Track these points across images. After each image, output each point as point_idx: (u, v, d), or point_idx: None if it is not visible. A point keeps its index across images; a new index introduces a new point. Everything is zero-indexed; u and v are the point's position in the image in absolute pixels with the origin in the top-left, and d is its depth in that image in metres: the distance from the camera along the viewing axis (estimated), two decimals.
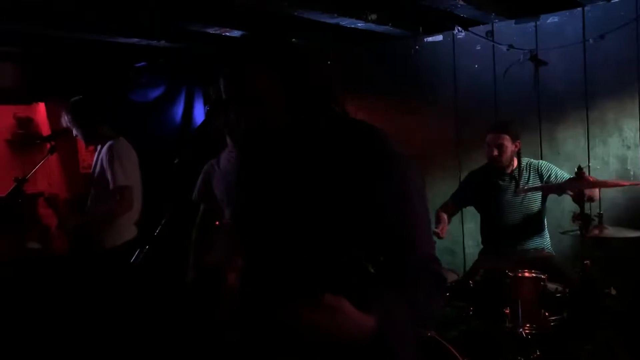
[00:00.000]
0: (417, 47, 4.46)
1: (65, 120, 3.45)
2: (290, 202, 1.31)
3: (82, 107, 3.44)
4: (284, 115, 1.28)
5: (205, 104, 5.23)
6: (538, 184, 3.51)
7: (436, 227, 3.56)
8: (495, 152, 3.46)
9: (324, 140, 1.30)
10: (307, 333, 1.12)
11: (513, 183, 3.54)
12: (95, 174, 3.47)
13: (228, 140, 2.52)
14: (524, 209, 3.53)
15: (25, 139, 5.98)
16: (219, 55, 1.33)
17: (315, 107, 1.31)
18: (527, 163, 3.58)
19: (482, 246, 3.79)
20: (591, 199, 3.34)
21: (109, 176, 3.34)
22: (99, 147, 3.53)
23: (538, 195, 3.53)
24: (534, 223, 3.54)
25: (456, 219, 3.98)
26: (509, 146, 3.46)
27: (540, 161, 3.63)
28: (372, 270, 1.15)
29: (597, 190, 3.40)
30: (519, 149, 3.54)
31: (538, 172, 3.53)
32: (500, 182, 3.57)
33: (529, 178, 3.53)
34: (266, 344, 1.32)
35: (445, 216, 3.66)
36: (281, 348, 1.27)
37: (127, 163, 3.40)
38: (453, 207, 3.81)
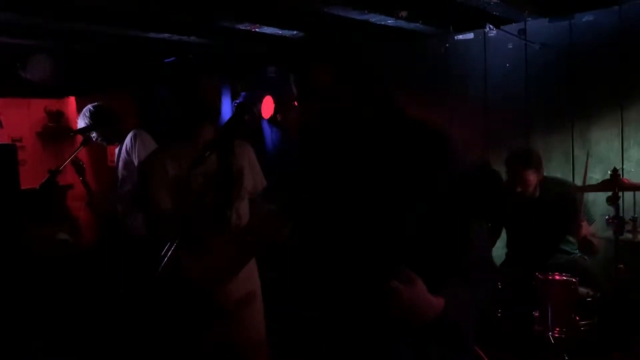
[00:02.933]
0: (447, 45, 4.41)
1: (83, 123, 3.53)
2: (354, 195, 1.37)
3: (100, 113, 3.53)
4: (349, 112, 1.36)
5: (232, 99, 5.25)
6: (564, 207, 3.33)
7: None
8: (519, 189, 3.32)
9: (389, 136, 1.37)
10: (388, 305, 1.21)
11: (539, 207, 3.38)
12: (121, 162, 3.57)
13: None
14: (552, 230, 3.38)
15: (56, 132, 6.10)
16: (284, 55, 1.42)
17: (378, 105, 1.40)
18: (554, 186, 3.40)
19: (507, 249, 3.72)
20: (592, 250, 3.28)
21: (134, 157, 3.45)
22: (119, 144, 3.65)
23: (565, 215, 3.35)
24: (561, 240, 3.43)
25: None
26: (533, 180, 3.33)
27: (574, 186, 3.49)
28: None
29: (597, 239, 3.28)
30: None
31: (564, 196, 3.35)
32: (527, 207, 3.41)
33: (555, 202, 3.36)
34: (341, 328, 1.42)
35: None
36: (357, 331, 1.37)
37: (150, 146, 3.51)
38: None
